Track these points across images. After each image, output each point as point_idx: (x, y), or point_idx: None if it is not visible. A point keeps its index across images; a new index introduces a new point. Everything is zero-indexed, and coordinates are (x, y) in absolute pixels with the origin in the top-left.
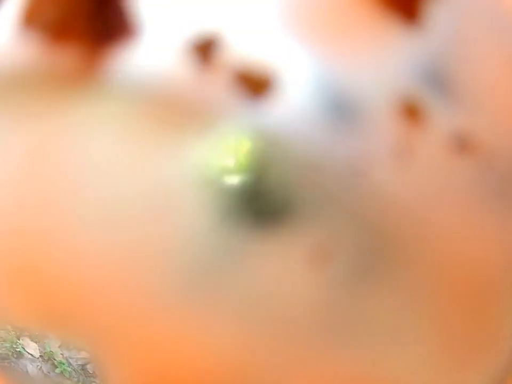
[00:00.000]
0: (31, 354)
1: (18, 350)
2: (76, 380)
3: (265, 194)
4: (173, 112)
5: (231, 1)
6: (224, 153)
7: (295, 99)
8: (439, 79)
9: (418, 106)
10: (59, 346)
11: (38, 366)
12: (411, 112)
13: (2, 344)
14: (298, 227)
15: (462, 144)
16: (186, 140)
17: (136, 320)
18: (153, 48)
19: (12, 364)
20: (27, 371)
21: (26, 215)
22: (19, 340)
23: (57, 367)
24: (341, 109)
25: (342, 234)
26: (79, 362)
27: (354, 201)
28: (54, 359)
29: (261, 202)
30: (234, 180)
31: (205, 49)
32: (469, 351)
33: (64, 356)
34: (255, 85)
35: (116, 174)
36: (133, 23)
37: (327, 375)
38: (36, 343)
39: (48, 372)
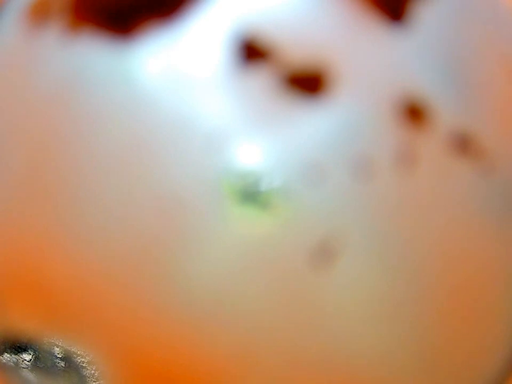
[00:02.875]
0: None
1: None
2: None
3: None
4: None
5: None
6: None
7: None
8: (443, 80)
9: (422, 107)
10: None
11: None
12: (414, 113)
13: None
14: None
15: (464, 148)
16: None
17: (138, 323)
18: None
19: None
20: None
21: (26, 215)
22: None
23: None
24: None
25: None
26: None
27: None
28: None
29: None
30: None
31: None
32: (468, 351)
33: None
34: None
35: (120, 173)
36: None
37: (320, 373)
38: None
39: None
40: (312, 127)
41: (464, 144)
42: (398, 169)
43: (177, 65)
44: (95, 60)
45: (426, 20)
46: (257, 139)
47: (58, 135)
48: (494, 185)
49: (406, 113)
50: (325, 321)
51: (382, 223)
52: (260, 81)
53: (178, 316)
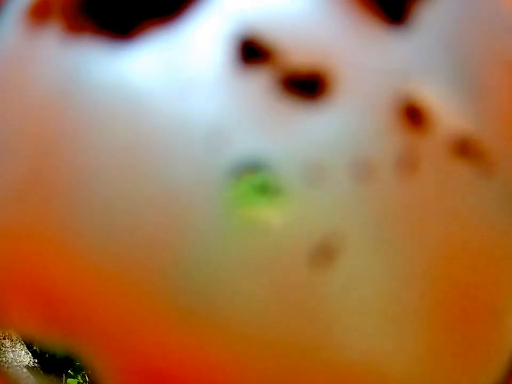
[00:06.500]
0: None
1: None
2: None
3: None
4: None
5: None
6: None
7: None
8: (444, 82)
9: (423, 110)
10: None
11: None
12: (415, 115)
13: None
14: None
15: (465, 149)
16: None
17: (138, 324)
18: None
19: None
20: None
21: (28, 217)
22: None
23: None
24: None
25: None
26: None
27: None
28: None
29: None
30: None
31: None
32: (468, 351)
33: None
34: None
35: (121, 174)
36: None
37: (320, 371)
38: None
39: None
40: (313, 128)
41: (464, 146)
42: (399, 171)
43: (177, 65)
44: (96, 61)
45: (428, 22)
46: (257, 140)
47: (59, 136)
48: (495, 186)
49: (407, 116)
50: (325, 320)
51: (382, 224)
52: (261, 81)
53: (178, 317)
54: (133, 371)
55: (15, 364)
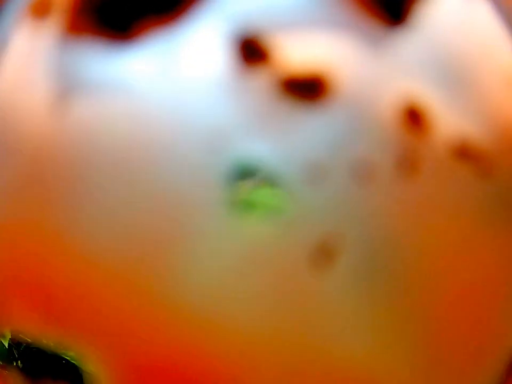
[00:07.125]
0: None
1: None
2: None
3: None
4: None
5: None
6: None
7: None
8: (443, 84)
9: (422, 111)
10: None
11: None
12: (415, 117)
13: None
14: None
15: (463, 151)
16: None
17: (138, 324)
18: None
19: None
20: None
21: (28, 217)
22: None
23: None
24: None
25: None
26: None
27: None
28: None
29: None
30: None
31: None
32: (468, 351)
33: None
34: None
35: (121, 175)
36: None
37: (318, 372)
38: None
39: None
40: (312, 129)
41: (463, 148)
42: (399, 172)
43: (178, 66)
44: (96, 61)
45: (428, 23)
46: (258, 140)
47: (58, 135)
48: (492, 187)
49: (407, 116)
50: (323, 321)
51: (381, 225)
52: (261, 82)
53: (178, 317)
54: (132, 371)
55: None
